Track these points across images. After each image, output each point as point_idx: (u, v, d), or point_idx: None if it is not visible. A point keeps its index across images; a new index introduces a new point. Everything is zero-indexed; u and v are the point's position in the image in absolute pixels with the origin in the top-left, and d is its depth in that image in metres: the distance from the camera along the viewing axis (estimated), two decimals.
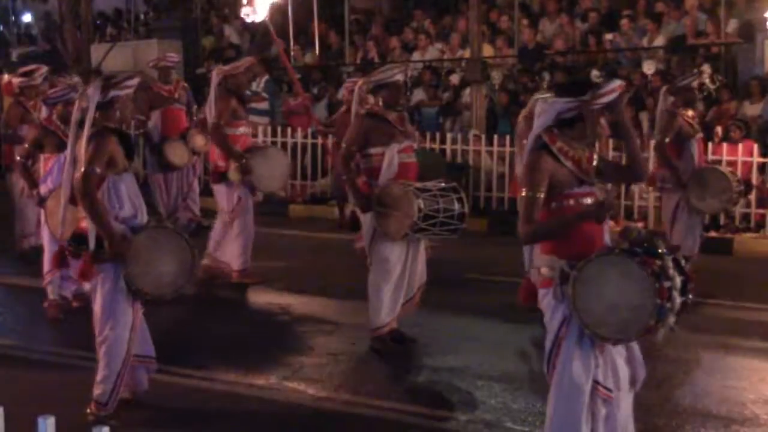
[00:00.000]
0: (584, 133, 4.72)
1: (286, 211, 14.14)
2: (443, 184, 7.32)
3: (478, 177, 13.59)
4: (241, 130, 9.62)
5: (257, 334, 8.05)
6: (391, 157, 7.21)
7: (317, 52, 17.82)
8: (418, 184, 7.20)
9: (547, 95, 7.94)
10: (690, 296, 4.52)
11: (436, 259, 7.83)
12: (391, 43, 17.14)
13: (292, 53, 17.28)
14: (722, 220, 11.80)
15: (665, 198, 9.35)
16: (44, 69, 10.55)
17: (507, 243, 11.79)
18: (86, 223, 5.67)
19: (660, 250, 4.47)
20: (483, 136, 13.76)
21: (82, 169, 5.58)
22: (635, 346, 4.78)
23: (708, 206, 9.24)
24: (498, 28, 16.67)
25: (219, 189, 9.57)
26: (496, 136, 13.60)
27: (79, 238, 5.74)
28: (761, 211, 11.85)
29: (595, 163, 4.79)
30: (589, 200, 4.70)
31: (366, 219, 7.34)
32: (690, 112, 9.19)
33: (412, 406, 6.24)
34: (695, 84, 9.53)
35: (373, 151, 7.26)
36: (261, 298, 9.30)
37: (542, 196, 4.62)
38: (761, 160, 11.95)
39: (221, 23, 19.80)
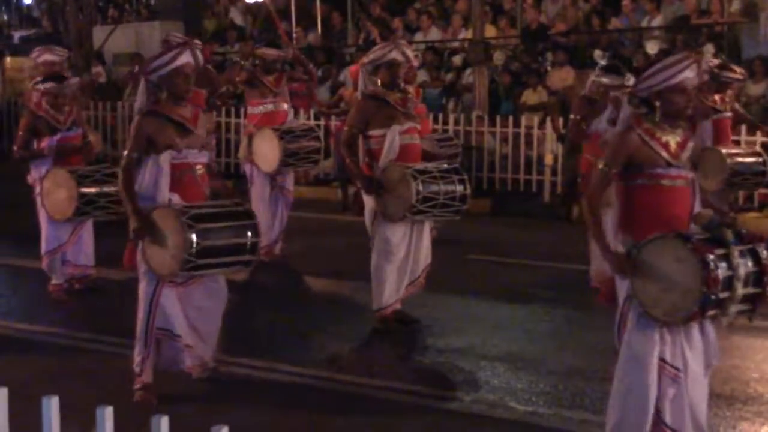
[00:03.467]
0: (669, 113, 4.76)
1: None
2: (445, 165, 7.30)
3: (481, 157, 13.60)
4: (260, 108, 9.78)
5: (258, 315, 8.05)
6: (392, 139, 7.18)
7: (320, 33, 17.76)
8: (419, 166, 7.17)
9: (597, 77, 8.07)
10: (764, 289, 4.55)
11: (438, 239, 7.82)
12: (394, 23, 17.08)
13: (294, 35, 17.21)
14: None
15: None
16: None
17: (510, 223, 11.86)
18: None
19: (728, 239, 4.50)
20: (486, 117, 13.76)
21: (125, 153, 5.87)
22: (710, 328, 4.80)
23: (708, 185, 9.27)
24: (501, 8, 16.60)
25: None
26: (498, 117, 13.59)
27: None
28: (765, 191, 11.81)
29: (689, 146, 4.82)
30: (678, 182, 4.75)
31: (368, 201, 7.35)
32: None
33: (416, 387, 6.26)
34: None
35: (373, 132, 7.24)
36: (263, 278, 9.29)
37: (614, 171, 4.76)
38: (765, 140, 11.89)
39: (227, 3, 19.72)
